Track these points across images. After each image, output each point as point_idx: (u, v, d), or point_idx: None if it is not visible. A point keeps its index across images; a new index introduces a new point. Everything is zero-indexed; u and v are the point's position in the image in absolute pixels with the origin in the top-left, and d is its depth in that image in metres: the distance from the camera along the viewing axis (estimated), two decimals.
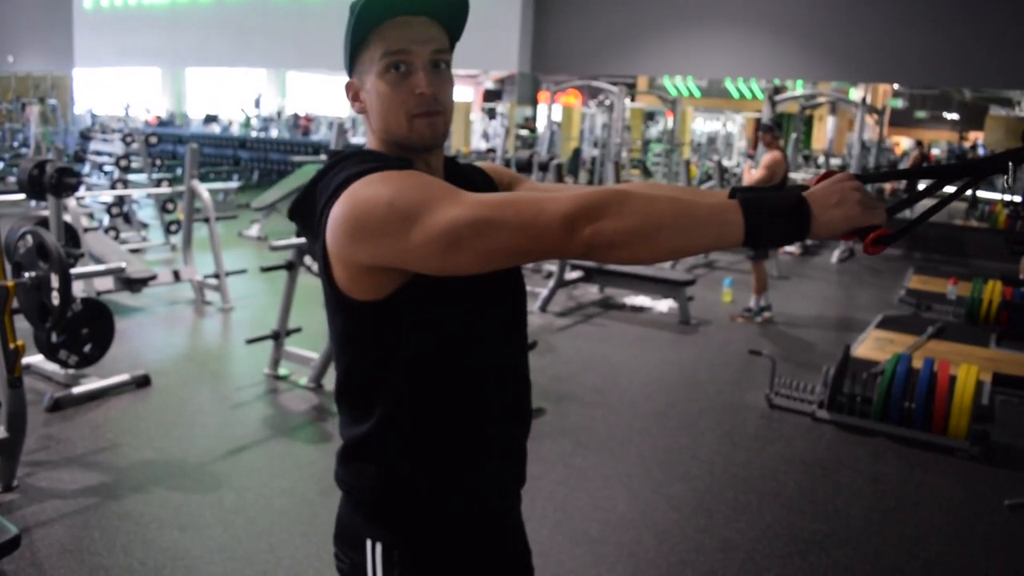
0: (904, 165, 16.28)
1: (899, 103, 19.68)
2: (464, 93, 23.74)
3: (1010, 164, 1.12)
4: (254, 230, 9.40)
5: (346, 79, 1.25)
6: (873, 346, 5.63)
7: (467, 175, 1.32)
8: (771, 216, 0.99)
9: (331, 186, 1.13)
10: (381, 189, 1.07)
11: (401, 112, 1.17)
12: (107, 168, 9.31)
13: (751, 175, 6.38)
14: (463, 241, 1.01)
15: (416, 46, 1.16)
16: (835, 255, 10.03)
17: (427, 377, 1.19)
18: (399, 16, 1.17)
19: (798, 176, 12.16)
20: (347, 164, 1.15)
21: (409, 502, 1.22)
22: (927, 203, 1.22)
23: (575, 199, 0.99)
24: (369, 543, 1.23)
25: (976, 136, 20.55)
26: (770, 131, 6.38)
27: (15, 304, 3.80)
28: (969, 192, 13.82)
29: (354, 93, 1.24)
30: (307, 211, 1.18)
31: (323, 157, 8.43)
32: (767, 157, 6.33)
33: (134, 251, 7.62)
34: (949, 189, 1.19)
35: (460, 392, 1.21)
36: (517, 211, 1.00)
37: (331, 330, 1.24)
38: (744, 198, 1.01)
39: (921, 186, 1.20)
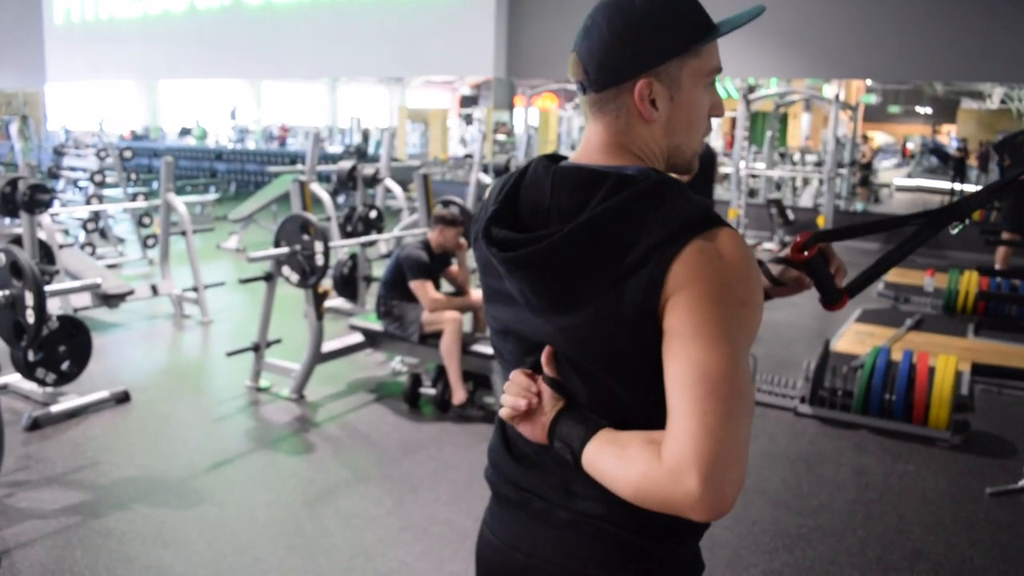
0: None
1: (873, 99, 19.89)
2: (441, 99, 23.74)
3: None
4: (232, 242, 9.35)
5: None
6: (853, 339, 5.67)
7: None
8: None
9: (668, 223, 0.96)
10: (750, 278, 0.97)
11: (701, 131, 1.08)
12: (82, 183, 9.22)
13: None
14: None
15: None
16: None
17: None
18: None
19: (774, 173, 12.25)
20: (670, 200, 0.98)
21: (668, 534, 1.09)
22: None
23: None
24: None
25: (949, 129, 20.82)
26: None
27: None
28: (949, 185, 14.03)
29: (651, 97, 1.03)
30: (597, 244, 0.98)
31: (300, 167, 8.32)
32: None
33: (111, 266, 7.54)
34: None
35: None
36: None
37: (618, 379, 1.03)
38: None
39: None
